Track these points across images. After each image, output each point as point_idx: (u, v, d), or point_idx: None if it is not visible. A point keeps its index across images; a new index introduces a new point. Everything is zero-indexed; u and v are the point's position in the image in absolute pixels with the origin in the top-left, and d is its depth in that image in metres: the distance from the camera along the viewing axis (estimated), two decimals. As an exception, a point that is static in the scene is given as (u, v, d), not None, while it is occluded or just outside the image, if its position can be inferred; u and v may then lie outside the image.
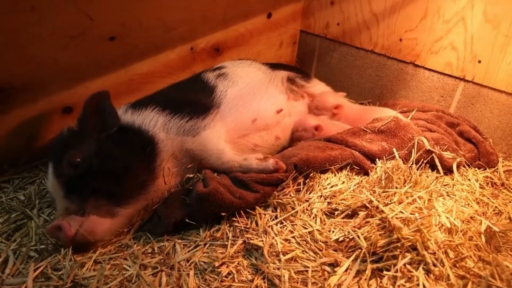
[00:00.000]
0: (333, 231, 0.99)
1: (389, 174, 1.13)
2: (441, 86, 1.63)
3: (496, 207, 1.17)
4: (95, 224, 0.92)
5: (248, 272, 0.89)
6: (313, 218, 1.04)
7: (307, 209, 1.07)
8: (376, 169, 1.21)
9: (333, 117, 1.48)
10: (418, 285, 0.83)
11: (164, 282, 0.85)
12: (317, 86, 1.68)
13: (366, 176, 1.21)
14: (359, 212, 1.03)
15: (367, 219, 1.00)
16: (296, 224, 1.01)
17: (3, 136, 1.22)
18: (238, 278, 0.87)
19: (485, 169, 1.37)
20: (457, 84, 1.57)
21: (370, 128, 1.32)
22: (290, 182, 1.12)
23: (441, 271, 0.85)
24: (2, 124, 1.21)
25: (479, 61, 1.47)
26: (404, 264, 0.86)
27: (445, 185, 1.23)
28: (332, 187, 1.14)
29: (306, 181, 1.15)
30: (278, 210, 1.07)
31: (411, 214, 0.98)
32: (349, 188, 1.13)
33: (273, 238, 0.96)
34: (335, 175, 1.19)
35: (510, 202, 1.20)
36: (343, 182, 1.16)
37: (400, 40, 1.68)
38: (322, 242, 0.96)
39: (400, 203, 1.04)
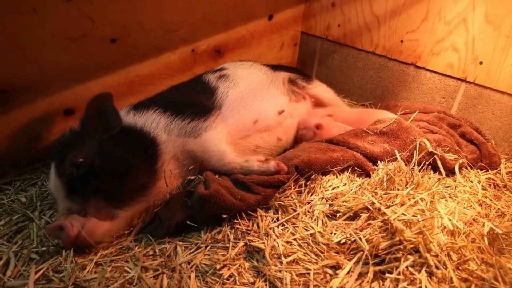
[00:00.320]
0: (335, 233, 0.98)
1: (391, 176, 1.13)
2: (442, 88, 1.62)
3: (498, 209, 1.16)
4: (95, 226, 0.92)
5: (250, 274, 0.89)
6: (315, 220, 1.04)
7: (308, 211, 1.06)
8: (377, 171, 1.21)
9: (315, 136, 1.42)
10: (420, 287, 0.82)
11: (166, 284, 0.85)
12: (318, 88, 1.68)
13: (367, 178, 1.21)
14: (361, 214, 1.02)
15: (369, 221, 0.99)
16: (297, 226, 1.01)
17: (5, 137, 1.22)
18: (239, 281, 0.86)
19: (487, 170, 1.37)
20: (458, 86, 1.57)
21: (372, 130, 1.32)
22: (292, 184, 1.12)
23: (444, 274, 0.85)
24: (3, 126, 1.21)
25: (481, 63, 1.47)
26: (407, 267, 0.85)
27: (447, 186, 1.22)
28: (333, 189, 1.14)
29: (308, 183, 1.15)
30: (280, 212, 1.06)
31: (413, 216, 0.98)
32: (351, 190, 1.13)
33: (274, 240, 0.96)
34: (336, 177, 1.19)
35: (512, 203, 1.20)
36: (345, 184, 1.16)
37: (401, 41, 1.68)
38: (324, 244, 0.95)
39: (402, 205, 1.03)
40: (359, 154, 1.23)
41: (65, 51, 1.24)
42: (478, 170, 1.36)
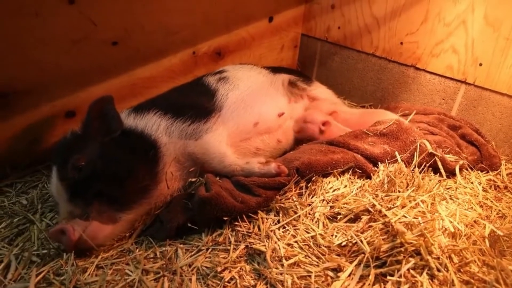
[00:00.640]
0: (335, 236, 0.98)
1: (391, 178, 1.13)
2: (442, 89, 1.63)
3: (499, 210, 1.16)
4: (97, 229, 0.92)
5: (251, 277, 0.88)
6: (316, 222, 1.04)
7: (309, 213, 1.06)
8: (378, 172, 1.21)
9: (320, 132, 1.42)
10: (422, 290, 0.82)
11: (167, 287, 0.84)
12: (319, 89, 1.68)
13: (368, 179, 1.21)
14: (362, 216, 1.02)
15: (370, 224, 0.99)
16: (298, 229, 1.01)
17: (6, 140, 1.23)
18: (240, 284, 0.86)
19: (488, 172, 1.37)
20: (458, 87, 1.57)
21: (372, 131, 1.32)
22: (292, 186, 1.12)
23: (445, 276, 0.84)
24: (5, 128, 1.21)
25: (480, 64, 1.47)
26: (408, 269, 0.85)
27: (448, 188, 1.22)
28: (334, 191, 1.13)
29: (308, 185, 1.15)
30: (281, 214, 1.06)
31: (414, 218, 0.98)
32: (352, 192, 1.13)
33: (275, 242, 0.96)
34: (337, 178, 1.19)
35: (513, 205, 1.20)
36: (346, 186, 1.16)
37: (401, 43, 1.68)
38: (325, 246, 0.95)
39: (403, 207, 1.03)
40: (359, 156, 1.23)
41: (67, 54, 1.25)
42: (479, 172, 1.36)
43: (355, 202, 1.07)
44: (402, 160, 1.22)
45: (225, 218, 1.02)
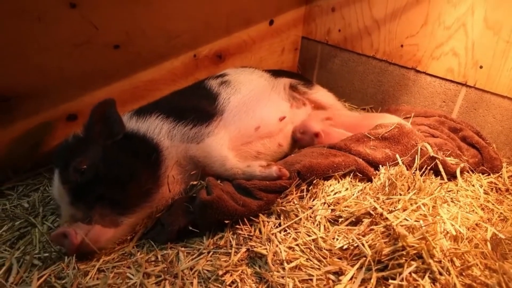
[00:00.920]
0: (337, 239, 0.98)
1: (392, 181, 1.13)
2: (443, 92, 1.63)
3: (501, 213, 1.16)
4: (99, 233, 0.92)
5: (252, 280, 0.88)
6: (317, 225, 1.04)
7: (310, 216, 1.06)
8: (379, 175, 1.21)
9: (312, 142, 1.42)
10: (424, 293, 0.82)
11: (168, 290, 0.84)
12: (319, 93, 1.69)
13: (369, 182, 1.21)
14: (363, 220, 1.02)
15: (372, 227, 0.99)
16: (300, 232, 1.01)
17: (8, 143, 1.23)
18: (242, 287, 0.86)
19: (489, 174, 1.37)
20: (459, 90, 1.58)
21: (373, 135, 1.32)
22: (294, 189, 1.12)
23: (447, 280, 0.84)
24: (7, 132, 1.22)
25: (481, 67, 1.48)
26: (410, 273, 0.85)
27: (449, 191, 1.22)
28: (335, 194, 1.14)
29: (310, 188, 1.15)
30: (282, 218, 1.06)
31: (416, 221, 0.98)
32: (353, 195, 1.13)
33: (277, 246, 0.96)
34: (338, 182, 1.19)
35: (515, 208, 1.19)
36: (347, 189, 1.16)
37: (402, 46, 1.69)
38: (327, 250, 0.95)
39: (404, 210, 1.03)
40: (360, 160, 1.23)
41: (69, 58, 1.25)
42: (480, 174, 1.36)
43: (356, 205, 1.07)
44: (403, 163, 1.22)
45: (227, 222, 1.02)
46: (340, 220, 1.04)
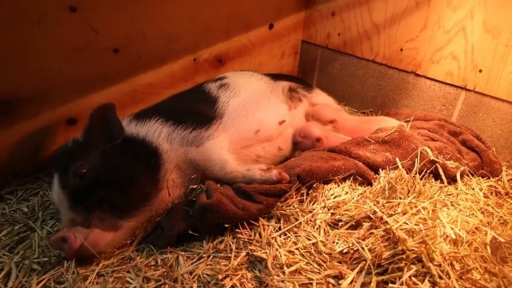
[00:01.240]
0: (337, 243, 0.98)
1: (392, 185, 1.13)
2: (442, 95, 1.63)
3: (501, 216, 1.16)
4: (99, 237, 0.92)
5: (252, 284, 0.88)
6: (317, 229, 1.03)
7: (310, 220, 1.06)
8: (379, 179, 1.21)
9: (313, 147, 1.43)
10: (424, 298, 0.82)
11: (168, 295, 0.84)
12: (319, 96, 1.69)
13: (369, 186, 1.21)
14: (363, 223, 1.02)
15: (371, 230, 0.99)
16: (299, 236, 1.01)
17: (8, 147, 1.23)
18: (242, 291, 0.86)
19: (488, 178, 1.36)
20: (458, 93, 1.58)
21: (373, 138, 1.32)
22: (294, 193, 1.12)
23: (447, 284, 0.84)
24: (7, 136, 1.22)
25: (480, 71, 1.48)
26: (410, 277, 0.85)
27: (449, 194, 1.22)
28: (335, 197, 1.13)
29: (310, 192, 1.15)
30: (282, 221, 1.06)
31: (416, 225, 0.97)
32: (353, 198, 1.13)
33: (276, 250, 0.96)
34: (338, 185, 1.19)
35: (515, 211, 1.19)
36: (347, 193, 1.16)
37: (401, 50, 1.69)
38: (326, 253, 0.95)
39: (404, 213, 1.03)
40: (360, 163, 1.23)
41: (69, 62, 1.26)
42: (480, 178, 1.36)
43: (356, 209, 1.07)
44: (403, 167, 1.23)
45: (226, 225, 1.02)
46: (340, 223, 1.04)
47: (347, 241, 0.97)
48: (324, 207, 1.10)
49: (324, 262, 0.93)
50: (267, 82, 1.56)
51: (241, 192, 1.08)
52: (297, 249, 0.97)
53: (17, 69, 1.17)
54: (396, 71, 1.75)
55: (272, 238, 1.00)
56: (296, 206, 1.10)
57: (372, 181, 1.21)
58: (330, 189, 1.17)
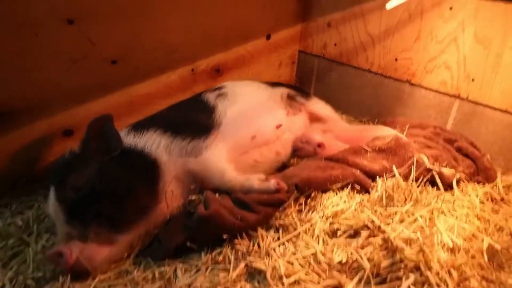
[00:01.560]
0: (335, 252, 0.98)
1: (389, 193, 1.13)
2: (437, 104, 1.66)
3: (497, 223, 1.17)
4: (95, 251, 0.90)
5: (251, 297, 0.87)
6: (316, 238, 1.03)
7: (309, 230, 1.06)
8: (376, 187, 1.21)
9: (315, 153, 1.44)
10: (424, 307, 0.81)
11: (166, 309, 0.83)
12: (317, 104, 1.70)
13: (367, 194, 1.21)
14: (361, 232, 1.02)
15: (370, 239, 0.99)
16: (298, 245, 1.00)
17: (3, 159, 1.22)
18: (241, 304, 0.85)
19: (484, 184, 1.38)
20: (452, 102, 1.61)
21: (370, 147, 1.33)
22: (292, 203, 1.12)
23: (446, 292, 0.84)
24: (2, 147, 1.21)
25: (473, 80, 1.51)
26: (408, 285, 0.84)
27: (446, 201, 1.23)
28: (333, 206, 1.14)
29: (308, 201, 1.15)
30: (280, 231, 1.06)
31: (413, 233, 0.98)
32: (351, 207, 1.13)
33: (275, 260, 0.95)
34: (336, 194, 1.19)
35: (510, 217, 1.20)
36: (345, 202, 1.16)
37: (396, 60, 1.72)
38: (326, 263, 0.94)
39: (401, 222, 1.04)
40: (358, 171, 1.24)
41: (66, 73, 1.26)
42: (475, 184, 1.37)
43: (354, 217, 1.07)
44: (400, 175, 1.23)
45: (225, 237, 1.01)
46: (339, 232, 1.04)
47: (346, 251, 0.97)
48: (323, 216, 1.10)
49: (324, 272, 0.92)
50: (265, 89, 1.57)
51: (239, 202, 1.08)
52: (296, 259, 0.96)
53: (13, 80, 1.16)
54: (391, 81, 1.77)
55: (271, 248, 0.99)
56: (294, 215, 1.09)
57: (370, 189, 1.22)
58: (328, 198, 1.17)
